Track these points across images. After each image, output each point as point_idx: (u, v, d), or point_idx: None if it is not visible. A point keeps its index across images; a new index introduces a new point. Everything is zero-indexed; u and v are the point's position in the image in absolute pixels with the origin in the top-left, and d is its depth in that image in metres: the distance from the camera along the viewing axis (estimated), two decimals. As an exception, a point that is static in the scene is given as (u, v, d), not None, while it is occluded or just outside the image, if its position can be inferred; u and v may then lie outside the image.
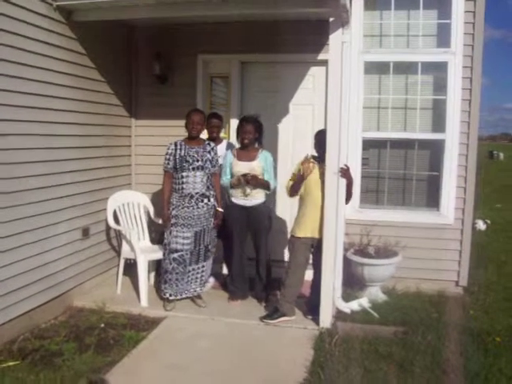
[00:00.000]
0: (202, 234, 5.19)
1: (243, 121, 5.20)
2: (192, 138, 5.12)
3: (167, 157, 5.08)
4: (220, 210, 5.27)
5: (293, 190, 4.83)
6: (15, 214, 4.42)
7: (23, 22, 4.41)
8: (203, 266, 5.28)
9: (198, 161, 5.08)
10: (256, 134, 5.16)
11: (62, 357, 4.13)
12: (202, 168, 5.11)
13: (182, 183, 5.07)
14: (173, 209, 5.10)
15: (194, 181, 5.08)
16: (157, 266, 5.69)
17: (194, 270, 5.23)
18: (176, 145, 5.10)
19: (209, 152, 5.17)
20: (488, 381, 3.79)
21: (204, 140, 5.28)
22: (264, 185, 5.18)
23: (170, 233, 5.12)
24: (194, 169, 5.06)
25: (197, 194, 5.10)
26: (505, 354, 4.21)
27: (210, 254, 5.33)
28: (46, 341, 4.41)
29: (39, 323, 4.76)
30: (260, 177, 5.15)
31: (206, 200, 5.15)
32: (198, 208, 5.11)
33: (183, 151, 5.06)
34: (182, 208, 5.08)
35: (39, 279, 4.77)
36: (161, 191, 5.32)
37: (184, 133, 5.16)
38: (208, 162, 5.14)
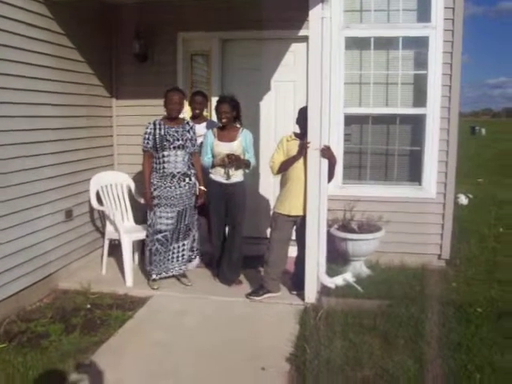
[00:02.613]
0: (184, 212, 5.19)
1: (219, 101, 5.17)
2: (171, 118, 5.09)
3: (146, 136, 5.03)
4: (203, 188, 5.27)
5: (283, 168, 4.81)
6: (-3, 196, 4.40)
7: (-3, 2, 4.33)
8: (183, 245, 5.28)
9: (178, 140, 5.05)
10: (234, 113, 5.12)
11: (48, 338, 4.14)
12: (183, 147, 5.09)
13: (163, 162, 5.04)
14: (154, 189, 5.07)
15: (176, 160, 5.06)
16: (141, 246, 5.69)
17: (174, 248, 5.23)
18: (155, 124, 5.06)
19: (188, 131, 5.15)
20: (470, 350, 3.87)
21: (183, 119, 5.27)
22: (246, 164, 5.19)
23: (154, 213, 5.11)
24: (174, 148, 5.03)
25: (178, 173, 5.08)
26: (486, 324, 4.30)
27: (191, 233, 5.33)
28: (32, 323, 4.42)
29: (25, 306, 4.76)
30: (241, 157, 5.15)
31: (187, 179, 5.14)
32: (180, 187, 5.10)
33: (163, 130, 5.02)
34: (164, 188, 5.05)
35: (24, 262, 4.76)
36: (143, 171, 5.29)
37: (165, 112, 5.12)
38: (188, 141, 5.12)
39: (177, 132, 5.07)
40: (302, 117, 4.74)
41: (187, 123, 5.21)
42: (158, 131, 5.01)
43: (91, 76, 5.95)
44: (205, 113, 6.04)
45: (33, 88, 4.83)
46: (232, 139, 5.13)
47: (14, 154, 4.58)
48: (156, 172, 5.08)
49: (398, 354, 3.83)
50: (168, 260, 5.23)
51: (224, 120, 5.10)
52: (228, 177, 5.14)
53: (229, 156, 5.04)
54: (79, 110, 5.67)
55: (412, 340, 4.04)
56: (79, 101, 5.66)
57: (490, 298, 4.88)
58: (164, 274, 5.25)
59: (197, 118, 5.62)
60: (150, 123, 5.07)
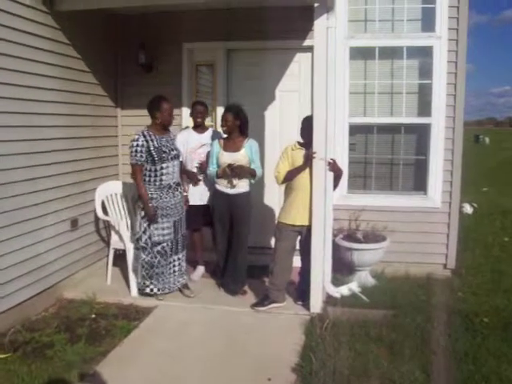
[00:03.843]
0: (180, 222, 5.17)
1: (224, 110, 5.20)
2: (162, 128, 5.02)
3: (138, 149, 4.80)
4: (185, 194, 5.35)
5: (288, 178, 4.78)
6: (1, 206, 4.40)
7: (5, 12, 4.35)
8: (183, 256, 5.26)
9: (172, 150, 5.01)
10: (236, 122, 5.10)
11: (53, 348, 4.13)
12: (178, 156, 5.09)
13: (161, 175, 4.92)
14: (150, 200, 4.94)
15: (173, 170, 5.01)
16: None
17: (175, 260, 5.17)
18: (145, 136, 4.85)
19: (173, 139, 5.16)
20: (477, 360, 3.85)
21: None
22: (250, 173, 5.16)
23: (149, 226, 4.97)
24: (172, 158, 4.98)
25: (174, 183, 5.05)
26: (492, 334, 4.28)
27: (185, 243, 5.31)
28: (37, 333, 4.41)
29: (30, 315, 4.75)
30: (246, 166, 5.13)
31: (179, 188, 5.13)
32: (175, 197, 5.05)
33: (156, 142, 4.88)
34: (161, 199, 4.95)
35: (29, 271, 4.76)
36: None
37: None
38: (179, 150, 5.15)
39: (168, 142, 5.01)
40: (306, 126, 4.75)
41: (170, 131, 5.19)
42: (151, 143, 4.85)
43: (96, 86, 5.97)
44: (210, 122, 6.08)
45: (37, 98, 4.84)
46: (237, 149, 5.13)
47: (17, 164, 4.58)
48: (150, 184, 4.93)
49: (404, 364, 3.81)
50: (170, 274, 5.16)
51: (224, 128, 5.13)
52: (232, 186, 5.14)
53: (230, 165, 5.04)
54: (84, 119, 5.68)
55: (418, 350, 4.02)
56: (84, 111, 5.68)
57: (496, 307, 4.87)
58: (167, 290, 5.17)
59: (199, 127, 5.62)
60: (139, 135, 4.85)
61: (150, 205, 4.90)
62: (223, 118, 5.11)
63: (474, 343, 4.12)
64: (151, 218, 4.93)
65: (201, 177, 5.53)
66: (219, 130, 5.57)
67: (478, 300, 5.12)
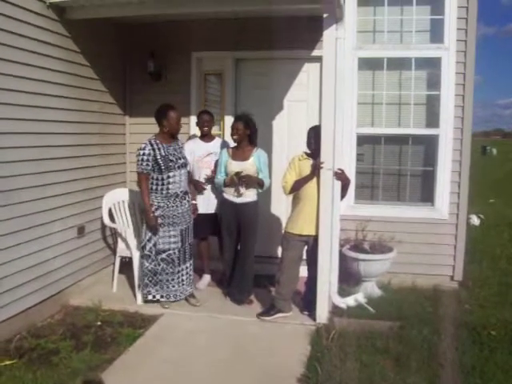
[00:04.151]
0: (187, 231, 5.16)
1: (234, 119, 5.22)
2: (169, 137, 5.01)
3: (145, 158, 4.82)
4: (194, 202, 5.35)
5: (296, 188, 4.78)
6: (9, 212, 4.41)
7: (16, 20, 4.39)
8: (190, 265, 5.25)
9: (180, 159, 5.00)
10: (246, 131, 5.12)
11: (59, 355, 4.13)
12: (185, 165, 5.08)
13: (168, 183, 4.92)
14: (156, 209, 4.93)
15: (180, 179, 5.00)
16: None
17: (183, 269, 5.16)
18: (152, 144, 4.87)
19: (181, 148, 5.15)
20: (484, 374, 3.81)
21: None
22: (258, 183, 5.17)
23: (155, 234, 4.98)
24: (179, 167, 4.97)
25: (181, 192, 5.04)
26: (500, 347, 4.24)
27: (192, 251, 5.30)
28: (42, 339, 4.41)
29: (36, 322, 4.75)
30: (255, 176, 5.14)
31: (187, 197, 5.12)
32: (182, 206, 5.05)
33: (162, 151, 4.88)
34: (167, 207, 4.95)
35: (35, 278, 4.77)
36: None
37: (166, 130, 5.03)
38: (186, 159, 5.14)
39: (175, 150, 5.01)
40: (313, 136, 4.75)
41: (178, 139, 5.17)
42: (157, 152, 4.86)
43: (105, 94, 6.01)
44: (218, 131, 6.09)
45: (46, 105, 4.87)
46: (245, 158, 5.14)
47: (25, 170, 4.60)
48: (156, 193, 4.94)
49: (410, 376, 3.78)
50: (178, 284, 5.15)
51: (234, 137, 5.14)
52: (238, 195, 5.14)
53: (237, 174, 5.05)
54: (92, 127, 5.71)
55: (425, 362, 3.99)
56: (93, 118, 5.70)
57: (503, 320, 4.82)
58: (172, 299, 5.16)
59: (205, 136, 5.64)
60: (146, 144, 4.88)
61: (152, 215, 4.91)
62: (233, 127, 5.12)
63: (481, 356, 4.09)
64: (152, 228, 4.95)
65: (207, 187, 5.53)
66: (227, 138, 5.58)
67: (485, 312, 5.08)
